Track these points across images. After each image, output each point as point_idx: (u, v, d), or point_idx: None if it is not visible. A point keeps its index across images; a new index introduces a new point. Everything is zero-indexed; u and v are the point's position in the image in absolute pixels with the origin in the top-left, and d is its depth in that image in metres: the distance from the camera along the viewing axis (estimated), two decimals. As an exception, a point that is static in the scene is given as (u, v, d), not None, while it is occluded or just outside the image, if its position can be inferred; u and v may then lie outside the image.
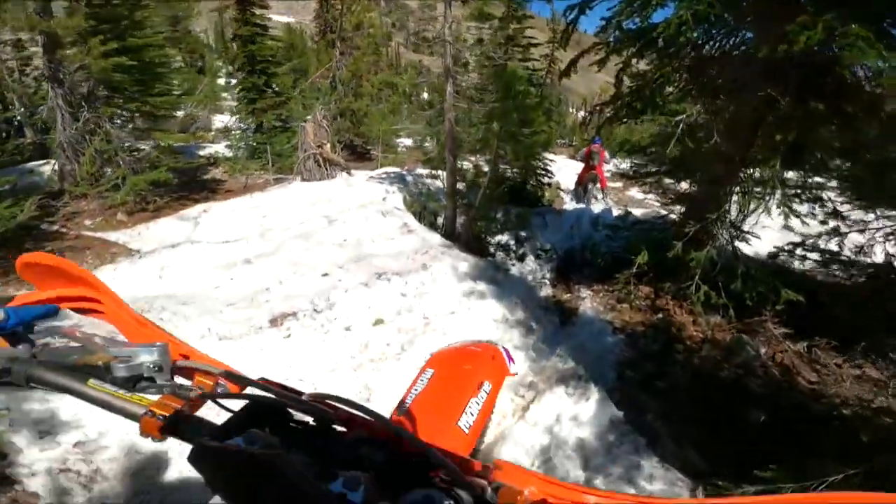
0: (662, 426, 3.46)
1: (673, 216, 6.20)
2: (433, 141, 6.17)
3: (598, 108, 5.05)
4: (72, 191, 7.05)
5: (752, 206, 4.81)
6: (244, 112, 11.30)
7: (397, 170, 7.92)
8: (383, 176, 7.31)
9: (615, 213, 8.30)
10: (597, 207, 8.77)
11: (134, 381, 0.64)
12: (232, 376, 0.68)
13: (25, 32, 7.89)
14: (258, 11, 11.18)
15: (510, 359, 1.76)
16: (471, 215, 4.86)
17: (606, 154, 9.28)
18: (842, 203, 5.10)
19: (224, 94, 17.72)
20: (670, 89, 4.73)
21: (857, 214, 5.02)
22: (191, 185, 8.62)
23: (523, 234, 5.92)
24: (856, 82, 3.76)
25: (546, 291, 5.78)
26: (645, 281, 5.44)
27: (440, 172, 5.58)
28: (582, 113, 31.85)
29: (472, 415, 1.34)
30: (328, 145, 7.94)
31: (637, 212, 8.65)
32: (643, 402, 3.84)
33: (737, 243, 5.11)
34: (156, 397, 0.61)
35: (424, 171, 7.01)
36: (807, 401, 3.87)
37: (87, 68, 6.95)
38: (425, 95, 18.10)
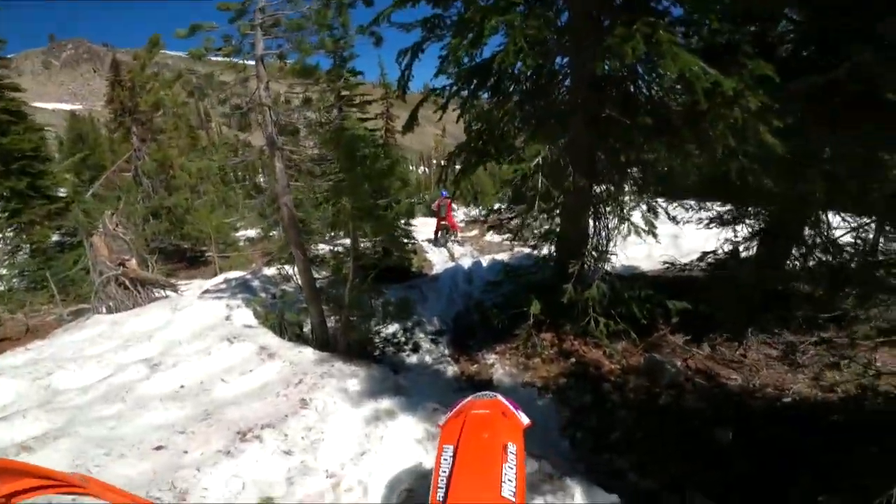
0: (652, 484, 3.17)
1: (542, 253, 6.18)
2: (278, 229, 5.06)
3: (450, 156, 4.72)
4: None
5: (611, 229, 4.99)
6: (5, 227, 8.56)
7: (241, 274, 6.41)
8: (223, 286, 5.78)
9: (484, 263, 8.25)
10: (465, 262, 8.75)
11: None
12: None
13: None
14: (11, 95, 8.80)
15: (516, 407, 1.71)
16: (343, 316, 3.90)
17: (453, 204, 10.89)
18: (674, 207, 5.68)
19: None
20: (505, 125, 4.66)
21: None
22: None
23: (409, 322, 5.14)
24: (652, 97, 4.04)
25: (451, 370, 5.03)
26: (544, 328, 5.17)
27: (293, 269, 4.51)
28: (422, 168, 33.67)
29: (512, 480, 1.33)
30: (133, 260, 6.09)
31: (502, 256, 8.85)
32: (611, 462, 3.50)
33: (613, 266, 5.21)
34: None
35: (273, 272, 5.74)
36: (743, 398, 3.91)
37: None
38: (261, 178, 16.44)
